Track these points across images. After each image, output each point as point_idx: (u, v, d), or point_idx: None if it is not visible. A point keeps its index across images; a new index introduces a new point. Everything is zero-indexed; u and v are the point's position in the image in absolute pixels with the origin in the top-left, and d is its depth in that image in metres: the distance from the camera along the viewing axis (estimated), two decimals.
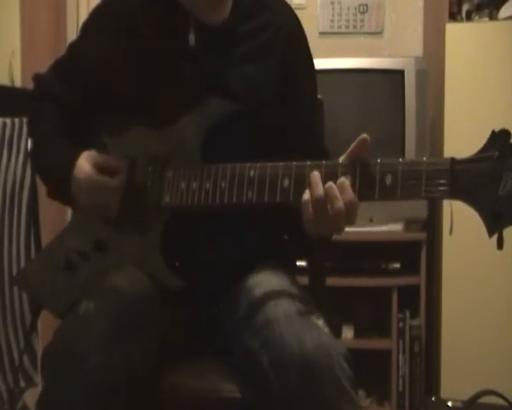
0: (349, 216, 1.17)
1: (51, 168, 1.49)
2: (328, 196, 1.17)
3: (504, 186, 1.07)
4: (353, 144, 1.19)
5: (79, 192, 1.42)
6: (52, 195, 1.52)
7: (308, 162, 1.22)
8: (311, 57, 1.53)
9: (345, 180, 1.17)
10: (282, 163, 1.25)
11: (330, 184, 1.17)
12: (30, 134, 1.60)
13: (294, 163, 1.24)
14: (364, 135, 1.19)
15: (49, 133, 1.51)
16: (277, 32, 1.47)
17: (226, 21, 1.47)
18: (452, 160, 1.11)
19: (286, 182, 1.23)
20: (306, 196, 1.20)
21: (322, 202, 1.17)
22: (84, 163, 1.41)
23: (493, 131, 1.09)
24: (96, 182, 1.40)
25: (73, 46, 1.57)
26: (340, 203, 1.16)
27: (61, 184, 1.45)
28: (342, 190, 1.16)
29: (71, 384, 1.18)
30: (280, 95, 1.46)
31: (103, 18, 1.51)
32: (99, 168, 1.41)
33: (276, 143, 1.44)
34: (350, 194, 1.16)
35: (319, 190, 1.18)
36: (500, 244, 1.08)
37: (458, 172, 1.10)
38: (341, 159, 1.20)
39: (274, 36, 1.47)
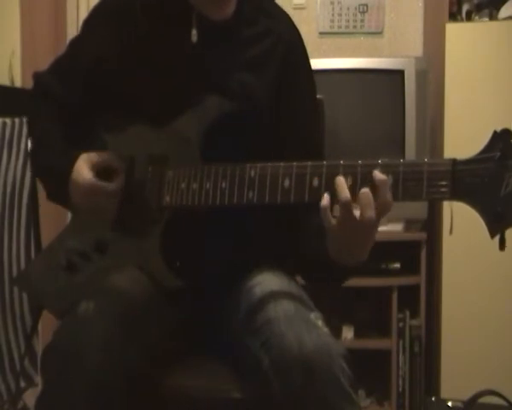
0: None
1: (49, 171, 1.48)
2: (361, 203, 1.16)
3: (506, 187, 1.06)
4: None
5: (77, 196, 1.41)
6: (51, 197, 1.52)
7: (309, 163, 1.22)
8: (309, 65, 1.53)
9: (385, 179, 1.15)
10: (282, 163, 1.25)
11: (365, 191, 1.15)
12: (29, 133, 1.59)
13: (295, 163, 1.23)
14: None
15: (49, 134, 1.51)
16: (277, 40, 1.47)
17: (229, 20, 1.46)
18: (454, 161, 1.11)
19: (287, 182, 1.23)
20: (325, 202, 1.19)
21: (348, 206, 1.16)
22: (83, 166, 1.40)
23: (495, 131, 1.08)
24: (93, 185, 1.39)
25: (73, 44, 1.57)
26: (372, 212, 1.15)
27: (59, 187, 1.44)
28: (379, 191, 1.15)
29: (70, 384, 1.18)
30: (278, 102, 1.46)
31: (104, 15, 1.51)
32: (98, 170, 1.40)
33: (274, 145, 1.44)
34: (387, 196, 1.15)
35: (345, 193, 1.17)
36: (502, 245, 1.08)
37: (460, 174, 1.10)
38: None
39: (274, 43, 1.47)
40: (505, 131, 1.08)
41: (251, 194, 1.27)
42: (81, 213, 1.45)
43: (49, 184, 1.51)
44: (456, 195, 1.10)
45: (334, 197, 1.18)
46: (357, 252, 1.24)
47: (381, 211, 1.16)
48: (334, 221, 1.19)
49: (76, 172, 1.41)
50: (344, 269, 1.28)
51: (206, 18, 1.45)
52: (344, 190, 1.16)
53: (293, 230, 1.44)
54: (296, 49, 1.50)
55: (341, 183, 1.17)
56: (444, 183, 1.11)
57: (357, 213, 1.16)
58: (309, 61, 1.53)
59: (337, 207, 1.19)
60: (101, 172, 1.41)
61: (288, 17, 1.53)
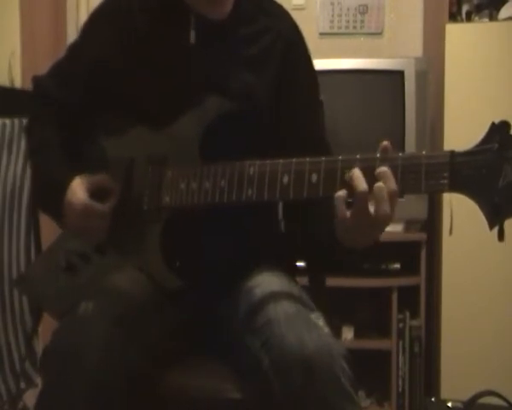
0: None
1: (44, 185, 1.47)
2: (375, 198, 1.14)
3: (504, 178, 1.07)
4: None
5: (70, 215, 1.40)
6: (41, 209, 1.51)
7: (307, 159, 1.22)
8: (311, 63, 1.53)
9: (386, 170, 1.14)
10: (281, 160, 1.25)
11: (380, 185, 1.14)
12: (28, 140, 1.57)
13: (294, 160, 1.23)
14: (386, 142, 1.17)
15: (46, 142, 1.49)
16: (276, 38, 1.47)
17: (227, 20, 1.47)
18: (452, 153, 1.11)
19: (285, 179, 1.23)
20: (341, 192, 1.17)
21: (364, 199, 1.15)
22: (78, 187, 1.39)
23: (493, 123, 1.09)
24: (86, 206, 1.37)
25: (73, 47, 1.57)
26: (387, 206, 1.13)
27: (51, 203, 1.43)
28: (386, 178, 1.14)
29: (70, 384, 1.18)
30: (278, 100, 1.46)
31: (103, 17, 1.51)
32: (93, 192, 1.39)
33: (275, 144, 1.44)
34: (393, 185, 1.14)
35: (363, 185, 1.15)
36: (501, 236, 1.08)
37: (458, 166, 1.10)
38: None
39: (273, 41, 1.47)
40: (503, 123, 1.08)
41: (250, 191, 1.27)
42: (72, 232, 1.44)
43: (41, 198, 1.51)
44: (454, 187, 1.10)
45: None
46: (366, 241, 1.23)
47: (392, 203, 1.15)
48: (348, 214, 1.17)
49: (71, 192, 1.39)
50: (348, 251, 1.27)
51: (203, 18, 1.45)
52: (361, 183, 1.15)
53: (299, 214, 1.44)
54: (296, 47, 1.50)
55: (358, 175, 1.16)
56: (442, 175, 1.11)
57: (371, 208, 1.15)
58: (310, 59, 1.53)
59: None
60: (96, 193, 1.39)
61: (288, 16, 1.53)
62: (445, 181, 1.10)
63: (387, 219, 1.15)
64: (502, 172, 1.07)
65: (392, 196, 1.14)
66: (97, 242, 1.42)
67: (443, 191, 1.12)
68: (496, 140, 1.08)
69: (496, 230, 1.08)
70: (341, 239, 1.24)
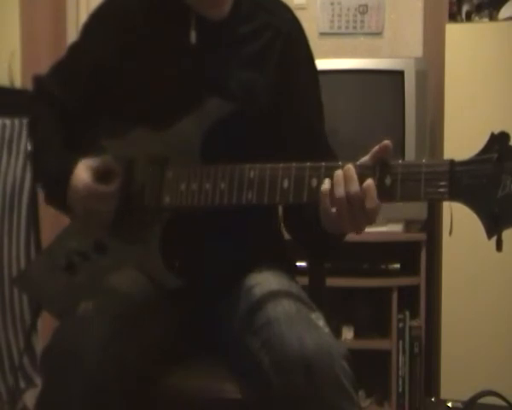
0: (370, 219, 1.18)
1: (49, 175, 1.47)
2: (350, 202, 1.17)
3: (503, 188, 1.07)
4: (375, 149, 1.18)
5: (76, 200, 1.40)
6: (49, 201, 1.51)
7: (308, 164, 1.22)
8: (312, 59, 1.53)
9: (368, 185, 1.16)
10: (281, 164, 1.25)
11: (355, 202, 1.16)
12: (30, 138, 1.58)
13: (294, 164, 1.24)
14: (387, 141, 1.17)
15: (49, 138, 1.50)
16: (276, 35, 1.47)
17: (227, 19, 1.46)
18: (451, 162, 1.11)
19: (285, 183, 1.24)
20: (326, 185, 1.19)
21: (343, 202, 1.17)
22: (82, 171, 1.39)
23: (492, 134, 1.09)
24: (91, 188, 1.37)
25: (74, 47, 1.57)
26: (362, 209, 1.16)
27: (58, 191, 1.43)
28: (366, 194, 1.16)
29: (69, 384, 1.18)
30: (279, 98, 1.46)
31: (103, 18, 1.51)
32: (96, 175, 1.39)
33: (276, 145, 1.44)
34: (374, 200, 1.16)
35: (340, 191, 1.17)
36: (499, 246, 1.08)
37: (457, 174, 1.10)
38: (360, 162, 1.19)
39: (273, 39, 1.47)
40: (502, 134, 1.09)
41: (250, 195, 1.27)
42: (79, 217, 1.44)
43: (47, 189, 1.51)
44: (453, 195, 1.11)
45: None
46: (350, 231, 1.25)
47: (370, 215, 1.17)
48: (331, 209, 1.19)
49: (75, 177, 1.39)
50: (333, 237, 1.29)
51: (203, 18, 1.45)
52: (339, 189, 1.17)
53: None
54: (296, 43, 1.50)
55: (338, 179, 1.18)
56: (442, 183, 1.11)
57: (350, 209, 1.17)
58: (311, 55, 1.52)
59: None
60: (100, 176, 1.40)
61: (289, 11, 1.52)
62: (445, 190, 1.11)
63: (369, 223, 1.18)
64: (501, 183, 1.07)
65: (369, 212, 1.16)
66: (106, 224, 1.41)
67: (442, 200, 1.13)
68: (495, 150, 1.08)
69: (494, 239, 1.08)
70: (327, 227, 1.25)
